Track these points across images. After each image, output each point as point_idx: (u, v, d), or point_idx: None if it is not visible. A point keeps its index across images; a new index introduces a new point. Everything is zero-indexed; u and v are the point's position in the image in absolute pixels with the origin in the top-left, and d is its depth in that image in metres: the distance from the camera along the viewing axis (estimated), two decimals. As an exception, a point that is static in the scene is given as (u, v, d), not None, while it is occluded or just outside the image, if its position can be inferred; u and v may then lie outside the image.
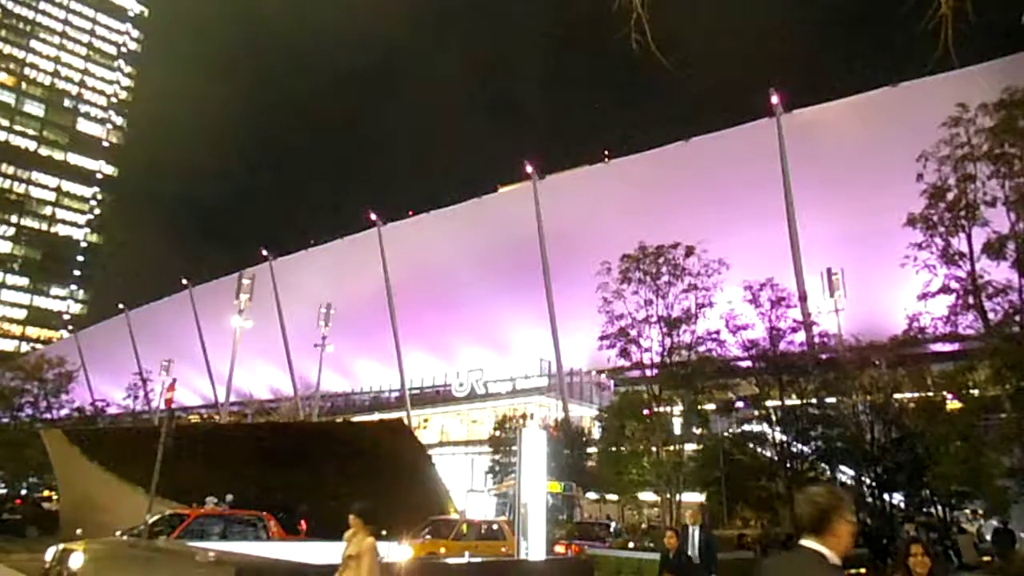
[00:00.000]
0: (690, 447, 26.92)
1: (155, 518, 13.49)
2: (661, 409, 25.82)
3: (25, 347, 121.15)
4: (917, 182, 20.89)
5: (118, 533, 13.14)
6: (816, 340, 26.83)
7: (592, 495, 34.12)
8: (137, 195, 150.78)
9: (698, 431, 26.61)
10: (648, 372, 26.24)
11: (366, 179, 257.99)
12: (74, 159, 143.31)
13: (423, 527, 17.46)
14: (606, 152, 47.37)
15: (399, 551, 12.87)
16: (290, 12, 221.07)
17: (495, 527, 19.10)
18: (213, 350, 64.36)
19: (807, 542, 2.75)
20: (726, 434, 27.07)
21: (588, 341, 29.65)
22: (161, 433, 15.77)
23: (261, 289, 52.07)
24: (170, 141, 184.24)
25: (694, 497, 29.16)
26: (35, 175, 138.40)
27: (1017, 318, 19.14)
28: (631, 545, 19.66)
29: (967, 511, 24.89)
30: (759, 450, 26.85)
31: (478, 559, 12.43)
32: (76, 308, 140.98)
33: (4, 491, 45.07)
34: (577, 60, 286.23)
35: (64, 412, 48.34)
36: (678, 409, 26.77)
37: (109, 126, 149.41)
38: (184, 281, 70.88)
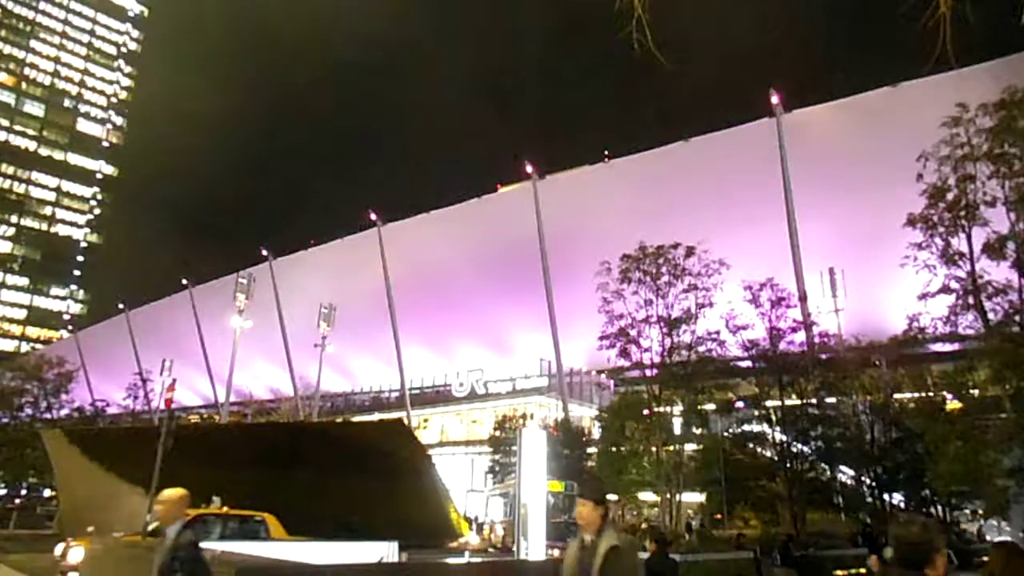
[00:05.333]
0: (690, 447, 26.91)
1: None
2: (661, 409, 25.80)
3: (25, 347, 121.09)
4: (917, 182, 20.88)
5: None
6: (816, 340, 26.83)
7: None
8: (137, 195, 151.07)
9: (698, 431, 26.60)
10: (648, 372, 26.23)
11: (366, 179, 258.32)
12: (74, 159, 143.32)
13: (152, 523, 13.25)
14: (606, 152, 47.43)
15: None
16: (289, 12, 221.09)
17: (253, 522, 14.56)
18: (213, 350, 64.35)
19: None
20: (726, 434, 27.07)
21: (588, 341, 29.64)
22: (161, 433, 15.78)
23: (261, 289, 52.11)
24: (170, 141, 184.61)
25: (694, 497, 29.19)
26: (35, 175, 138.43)
27: (1017, 318, 19.14)
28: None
29: (967, 511, 24.88)
30: (759, 450, 26.85)
31: (477, 559, 12.42)
32: (76, 308, 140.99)
33: (3, 491, 45.10)
34: (577, 60, 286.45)
35: (64, 412, 48.29)
36: (678, 409, 26.76)
37: (109, 126, 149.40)
38: (184, 281, 70.92)
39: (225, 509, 14.24)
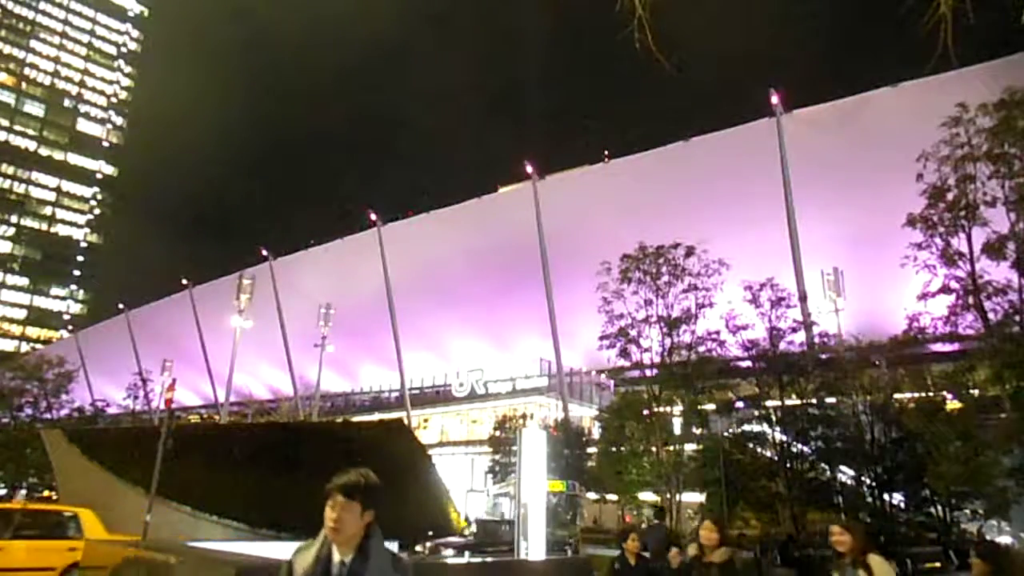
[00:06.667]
0: (690, 447, 26.90)
1: None
2: (661, 409, 25.81)
3: (25, 347, 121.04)
4: (917, 182, 20.90)
5: None
6: (816, 340, 26.83)
7: (592, 495, 34.11)
8: (137, 195, 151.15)
9: (698, 431, 26.60)
10: (648, 372, 26.25)
11: (366, 179, 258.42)
12: (74, 159, 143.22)
13: None
14: (606, 152, 47.45)
15: None
16: (290, 12, 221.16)
17: (62, 518, 13.31)
18: (213, 350, 64.33)
19: None
20: (726, 434, 27.07)
21: (588, 341, 29.65)
22: (161, 433, 15.75)
23: (261, 289, 52.07)
24: (170, 141, 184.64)
25: (694, 497, 29.17)
26: (35, 175, 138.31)
27: (1017, 318, 19.15)
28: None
29: (967, 511, 24.87)
30: (759, 450, 26.84)
31: (477, 559, 12.40)
32: (76, 308, 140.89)
33: (3, 491, 45.07)
34: (577, 60, 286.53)
35: (64, 412, 48.28)
36: (678, 409, 26.76)
37: (109, 126, 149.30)
38: (184, 281, 70.89)
39: (25, 503, 14.08)
